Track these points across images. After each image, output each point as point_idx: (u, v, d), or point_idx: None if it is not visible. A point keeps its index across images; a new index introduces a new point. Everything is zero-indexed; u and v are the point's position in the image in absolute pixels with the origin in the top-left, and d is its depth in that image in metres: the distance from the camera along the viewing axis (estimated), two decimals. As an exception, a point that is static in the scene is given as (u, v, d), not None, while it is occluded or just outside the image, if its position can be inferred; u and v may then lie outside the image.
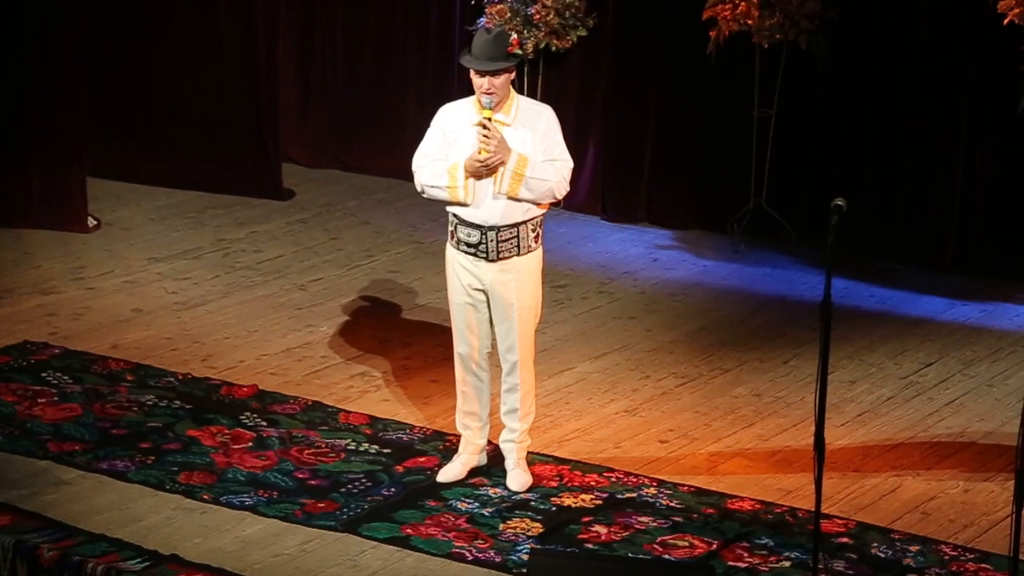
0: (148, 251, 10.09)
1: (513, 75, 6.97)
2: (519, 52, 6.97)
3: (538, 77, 10.86)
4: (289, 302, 9.36)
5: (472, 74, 6.90)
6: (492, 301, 7.05)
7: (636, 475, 7.33)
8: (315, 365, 8.49)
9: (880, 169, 10.16)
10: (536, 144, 6.92)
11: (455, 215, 7.02)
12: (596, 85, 10.91)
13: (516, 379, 7.11)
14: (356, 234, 10.54)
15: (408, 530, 6.80)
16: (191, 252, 10.11)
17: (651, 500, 7.11)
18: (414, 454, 7.49)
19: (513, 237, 6.96)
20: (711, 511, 7.02)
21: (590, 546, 6.71)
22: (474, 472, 7.28)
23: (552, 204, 7.18)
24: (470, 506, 7.02)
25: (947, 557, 6.69)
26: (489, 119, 6.84)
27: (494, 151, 6.82)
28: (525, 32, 10.48)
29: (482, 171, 6.88)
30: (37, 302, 9.21)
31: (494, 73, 6.84)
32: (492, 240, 6.94)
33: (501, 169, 6.86)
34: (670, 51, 10.54)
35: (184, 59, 11.15)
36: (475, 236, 6.97)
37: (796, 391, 8.25)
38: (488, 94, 6.86)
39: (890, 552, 6.72)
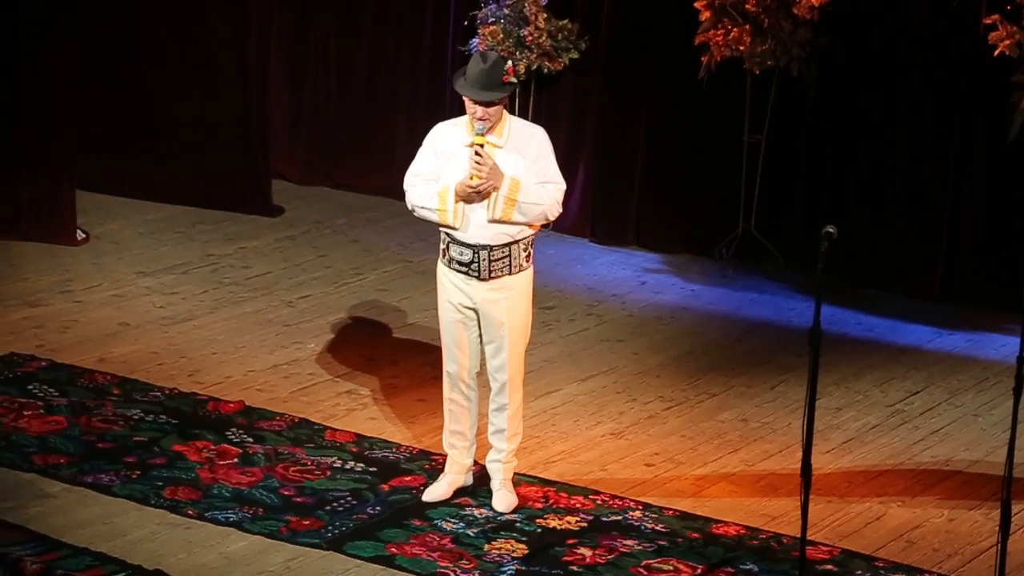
0: (136, 265, 10.08)
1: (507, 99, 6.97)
2: (514, 80, 6.96)
3: (530, 99, 10.87)
4: (277, 319, 9.34)
5: (466, 99, 6.90)
6: (482, 320, 7.04)
7: (622, 498, 7.33)
8: (302, 382, 8.48)
9: (869, 197, 10.18)
10: (528, 166, 6.91)
11: (447, 234, 7.02)
12: (587, 108, 10.92)
13: (505, 399, 7.11)
14: (345, 252, 10.53)
15: (393, 549, 6.79)
16: (179, 267, 10.09)
17: (636, 523, 7.10)
18: (400, 473, 7.48)
19: (505, 256, 6.96)
20: (696, 535, 7.02)
21: (575, 568, 6.70)
22: (460, 492, 7.27)
23: (542, 225, 7.19)
24: (455, 526, 7.01)
25: (931, 586, 6.70)
26: (482, 145, 6.84)
27: (486, 177, 6.82)
28: (517, 53, 10.49)
29: (474, 197, 6.87)
30: (24, 314, 9.18)
31: (488, 103, 6.84)
32: (484, 259, 6.94)
33: (494, 194, 6.85)
34: (662, 75, 10.55)
35: (176, 74, 11.13)
36: (467, 255, 6.96)
37: (783, 417, 8.26)
38: (481, 120, 6.86)
39: (874, 580, 6.73)
